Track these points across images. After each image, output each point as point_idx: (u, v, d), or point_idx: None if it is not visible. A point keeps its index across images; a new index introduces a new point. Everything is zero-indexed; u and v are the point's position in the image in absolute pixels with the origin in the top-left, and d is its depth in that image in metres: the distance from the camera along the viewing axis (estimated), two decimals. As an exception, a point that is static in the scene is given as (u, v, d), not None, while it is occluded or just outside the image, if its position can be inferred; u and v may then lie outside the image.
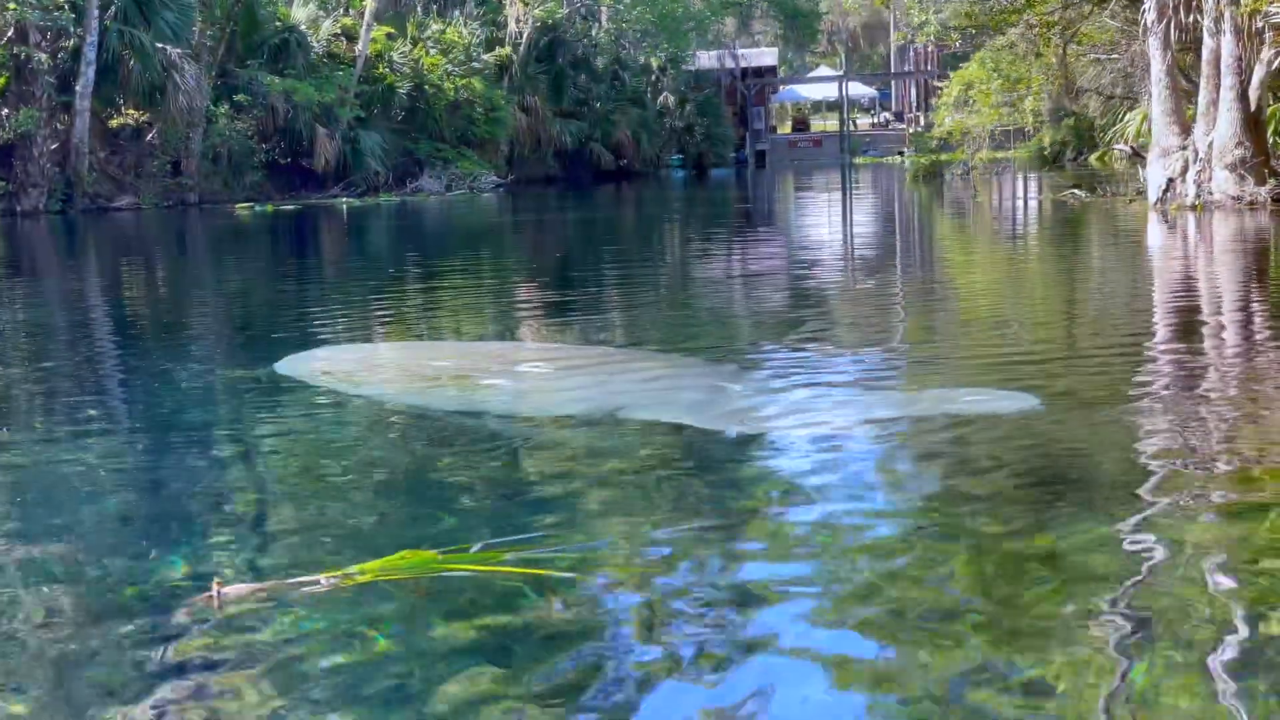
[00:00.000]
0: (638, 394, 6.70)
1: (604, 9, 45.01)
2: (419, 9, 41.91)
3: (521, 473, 5.23)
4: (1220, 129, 17.41)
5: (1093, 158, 38.47)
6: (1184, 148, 17.99)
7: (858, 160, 57.81)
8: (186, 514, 4.73)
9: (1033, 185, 30.27)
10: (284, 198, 34.75)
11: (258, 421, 6.55)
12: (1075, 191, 22.42)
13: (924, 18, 22.86)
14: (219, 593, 3.54)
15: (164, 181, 33.50)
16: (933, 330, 9.48)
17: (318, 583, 3.63)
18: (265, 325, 11.02)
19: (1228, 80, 17.11)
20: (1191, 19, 17.39)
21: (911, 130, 62.03)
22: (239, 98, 34.01)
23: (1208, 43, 17.47)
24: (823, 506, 4.49)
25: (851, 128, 64.53)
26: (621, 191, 39.00)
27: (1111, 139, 33.07)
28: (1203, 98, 17.75)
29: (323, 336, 9.74)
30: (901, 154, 59.54)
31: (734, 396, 6.51)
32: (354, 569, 3.70)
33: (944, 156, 32.19)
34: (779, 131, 67.38)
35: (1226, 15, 16.81)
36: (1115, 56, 23.59)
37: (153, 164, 33.43)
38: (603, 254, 18.20)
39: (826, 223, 23.21)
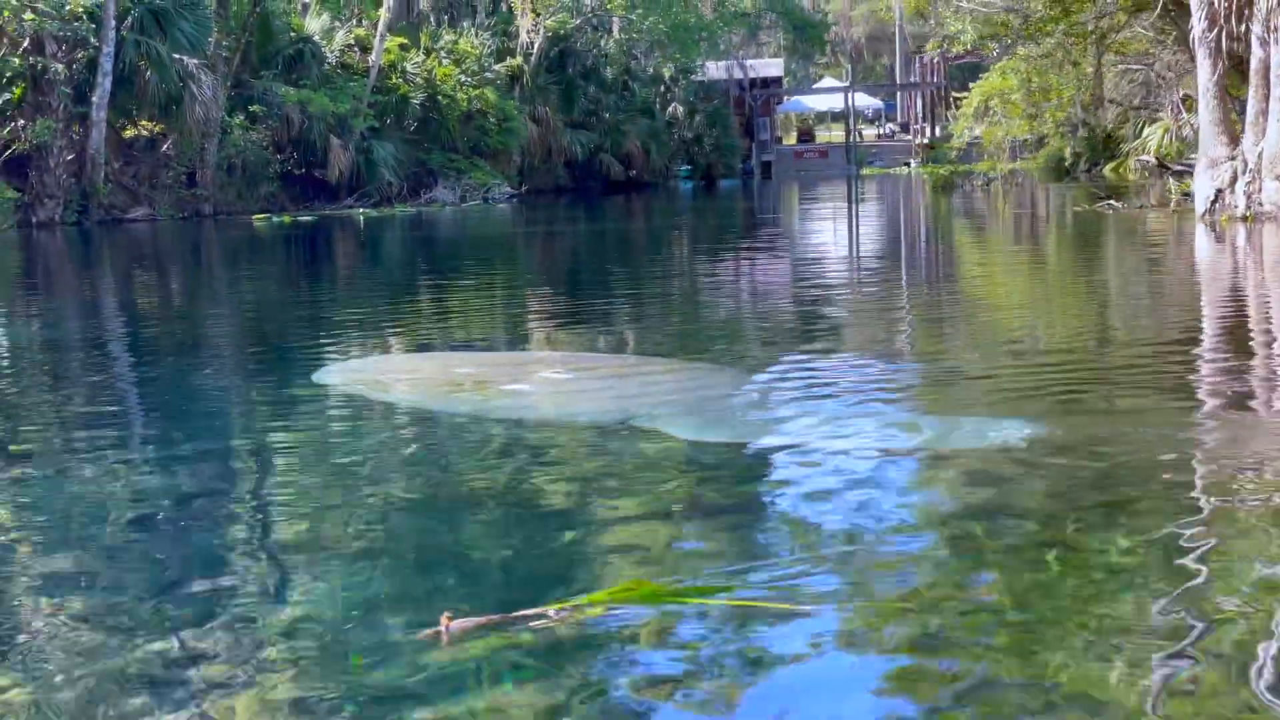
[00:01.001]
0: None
1: (615, 20, 44.84)
2: (431, 19, 41.74)
3: (696, 495, 5.03)
4: (1270, 139, 17.26)
5: (1107, 169, 38.34)
6: (1232, 158, 17.83)
7: (865, 171, 57.74)
8: (391, 547, 4.50)
9: (1056, 196, 30.09)
10: (298, 209, 34.55)
11: (370, 445, 6.33)
12: (1111, 203, 22.26)
13: (960, 26, 22.65)
14: (447, 628, 3.34)
15: (179, 192, 33.27)
16: (986, 343, 9.28)
17: (545, 615, 3.42)
18: (299, 336, 10.92)
19: (1278, 90, 16.95)
20: (1243, 28, 17.23)
21: (919, 141, 62.10)
22: (254, 108, 33.82)
23: (1257, 52, 17.33)
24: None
25: (857, 139, 64.50)
26: (634, 203, 38.85)
27: (1131, 151, 32.96)
28: (1251, 108, 17.61)
29: (356, 347, 9.79)
30: (908, 165, 59.55)
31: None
32: (582, 600, 3.50)
33: (963, 167, 32.07)
34: (784, 142, 67.34)
35: (1277, 24, 16.66)
36: (1138, 68, 23.46)
37: (167, 175, 33.20)
38: (632, 263, 18.22)
39: (863, 237, 22.95)
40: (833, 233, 23.86)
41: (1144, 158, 25.77)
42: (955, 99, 33.58)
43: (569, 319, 11.49)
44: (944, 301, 12.21)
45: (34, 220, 29.93)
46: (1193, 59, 19.86)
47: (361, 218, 32.14)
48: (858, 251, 19.43)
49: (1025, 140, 29.43)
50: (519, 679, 3.13)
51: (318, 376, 7.92)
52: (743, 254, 19.44)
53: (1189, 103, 27.25)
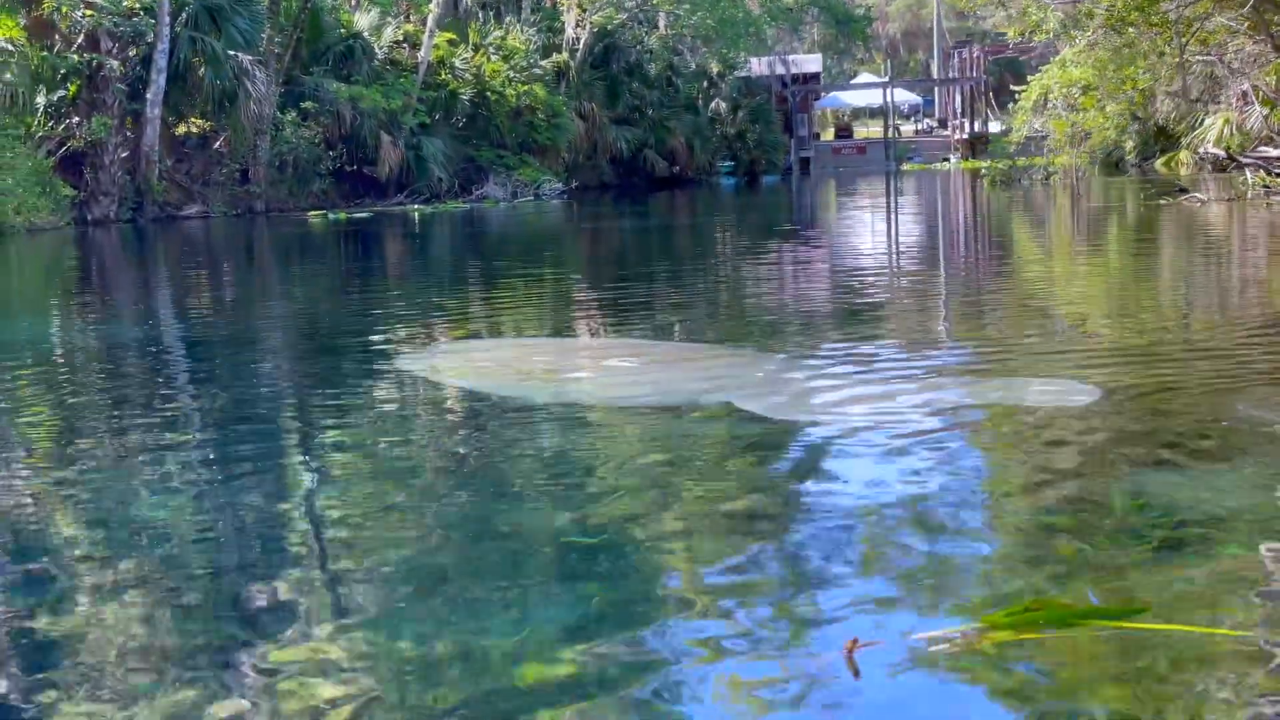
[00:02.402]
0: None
1: (661, 14, 44.59)
2: (479, 15, 41.59)
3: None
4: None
5: (1158, 163, 37.87)
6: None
7: (906, 167, 57.32)
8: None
9: (1124, 191, 29.58)
10: (348, 206, 34.46)
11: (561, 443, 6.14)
12: (1197, 196, 21.89)
13: (1042, 15, 22.26)
14: (853, 652, 3.11)
15: (232, 190, 33.22)
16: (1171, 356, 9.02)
17: (953, 637, 3.17)
18: (382, 327, 11.01)
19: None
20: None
21: (958, 136, 61.64)
22: (306, 104, 33.72)
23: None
24: None
25: (895, 134, 64.09)
26: (682, 199, 38.58)
27: (1190, 144, 32.55)
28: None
29: (439, 336, 10.15)
30: (948, 160, 59.13)
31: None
32: (983, 622, 3.23)
33: (1021, 161, 31.71)
34: (821, 138, 66.95)
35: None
36: (1203, 59, 23.08)
37: (220, 172, 33.14)
38: (701, 257, 18.19)
39: (936, 232, 22.58)
40: (927, 229, 23.33)
41: (1211, 150, 25.38)
42: (1015, 92, 33.12)
43: (641, 309, 11.64)
44: (1100, 309, 11.91)
45: (89, 217, 29.88)
46: (1277, 49, 19.54)
47: (416, 214, 32.00)
48: (972, 252, 19.12)
49: (1073, 134, 29.01)
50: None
51: (402, 363, 8.41)
52: (818, 247, 19.19)
53: (1257, 94, 26.88)
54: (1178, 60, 20.50)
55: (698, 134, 48.71)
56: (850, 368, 7.49)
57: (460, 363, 8.59)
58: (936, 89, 70.46)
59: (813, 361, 7.77)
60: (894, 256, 17.13)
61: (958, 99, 64.74)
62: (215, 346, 10.24)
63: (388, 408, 7.06)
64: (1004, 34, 62.64)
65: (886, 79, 64.93)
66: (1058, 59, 29.58)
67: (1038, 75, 30.24)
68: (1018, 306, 10.88)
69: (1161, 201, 21.88)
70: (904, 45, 79.34)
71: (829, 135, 69.74)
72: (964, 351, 8.23)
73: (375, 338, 10.08)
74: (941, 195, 34.99)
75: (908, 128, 71.59)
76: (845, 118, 72.61)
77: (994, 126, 61.33)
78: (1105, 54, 21.70)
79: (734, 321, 10.61)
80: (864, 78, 69.77)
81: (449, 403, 7.20)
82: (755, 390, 6.74)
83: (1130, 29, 19.57)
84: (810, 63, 62.01)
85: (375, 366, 8.50)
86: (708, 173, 50.55)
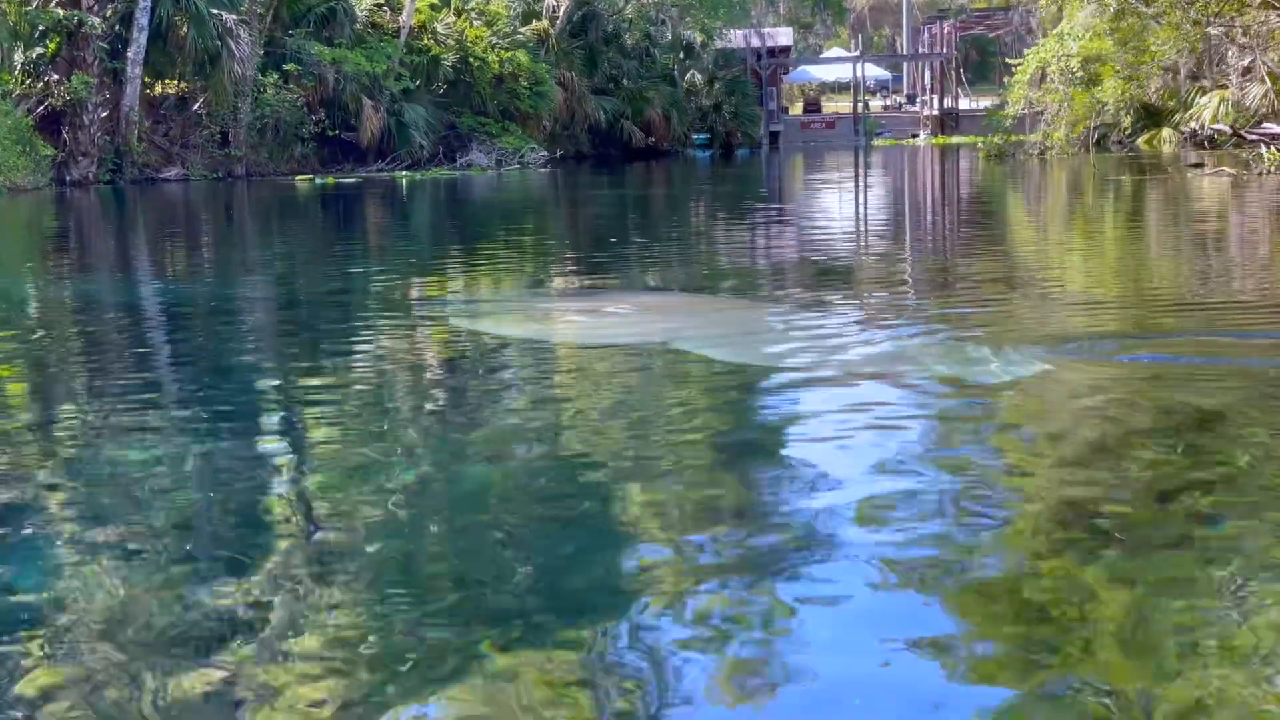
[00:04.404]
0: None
1: (644, -19, 43.98)
2: (461, -22, 40.78)
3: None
4: None
5: (1141, 140, 37.73)
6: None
7: (876, 143, 57.11)
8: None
9: (1127, 166, 29.06)
10: (329, 171, 33.67)
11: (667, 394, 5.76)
12: (1224, 169, 21.69)
13: None
14: None
15: (212, 153, 32.39)
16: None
17: None
18: (401, 284, 11.47)
19: None
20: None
21: (927, 112, 61.52)
22: (289, 67, 32.88)
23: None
24: None
25: (864, 109, 63.85)
26: (662, 170, 38.14)
27: (1183, 121, 32.40)
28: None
29: (455, 291, 10.82)
30: (917, 135, 59.00)
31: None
32: None
33: (1014, 137, 31.49)
34: (789, 112, 66.56)
35: None
36: (1222, 32, 22.90)
37: (200, 134, 32.31)
38: (689, 220, 18.26)
39: (960, 210, 22.09)
40: (928, 206, 22.96)
41: (1220, 125, 25.25)
42: (1010, 65, 32.90)
43: (650, 262, 12.60)
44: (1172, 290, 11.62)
45: (68, 178, 29.01)
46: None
47: (405, 181, 31.33)
48: (1066, 243, 18.81)
49: (1080, 109, 28.81)
50: None
51: (423, 310, 9.42)
52: (822, 220, 18.88)
53: (1267, 72, 26.76)
54: (1202, 33, 20.29)
55: (675, 105, 48.17)
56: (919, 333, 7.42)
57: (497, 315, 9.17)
58: (905, 64, 70.32)
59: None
60: (967, 248, 16.81)
61: (927, 75, 64.62)
62: (298, 309, 10.06)
63: (419, 352, 7.70)
64: (978, 9, 62.71)
65: (857, 54, 64.68)
66: (1055, 32, 29.37)
67: (1033, 49, 30.03)
68: (1208, 293, 9.68)
69: (1188, 175, 21.51)
70: (870, 20, 79.13)
71: (796, 110, 69.37)
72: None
73: (413, 294, 10.70)
74: (950, 172, 34.44)
75: (875, 103, 71.33)
76: (813, 92, 72.30)
77: (964, 103, 61.36)
78: (1127, 25, 21.40)
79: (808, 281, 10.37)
80: (835, 52, 69.48)
81: (490, 352, 7.64)
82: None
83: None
84: (782, 36, 61.59)
85: (405, 319, 9.17)
86: (683, 144, 50.07)
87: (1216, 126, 25.85)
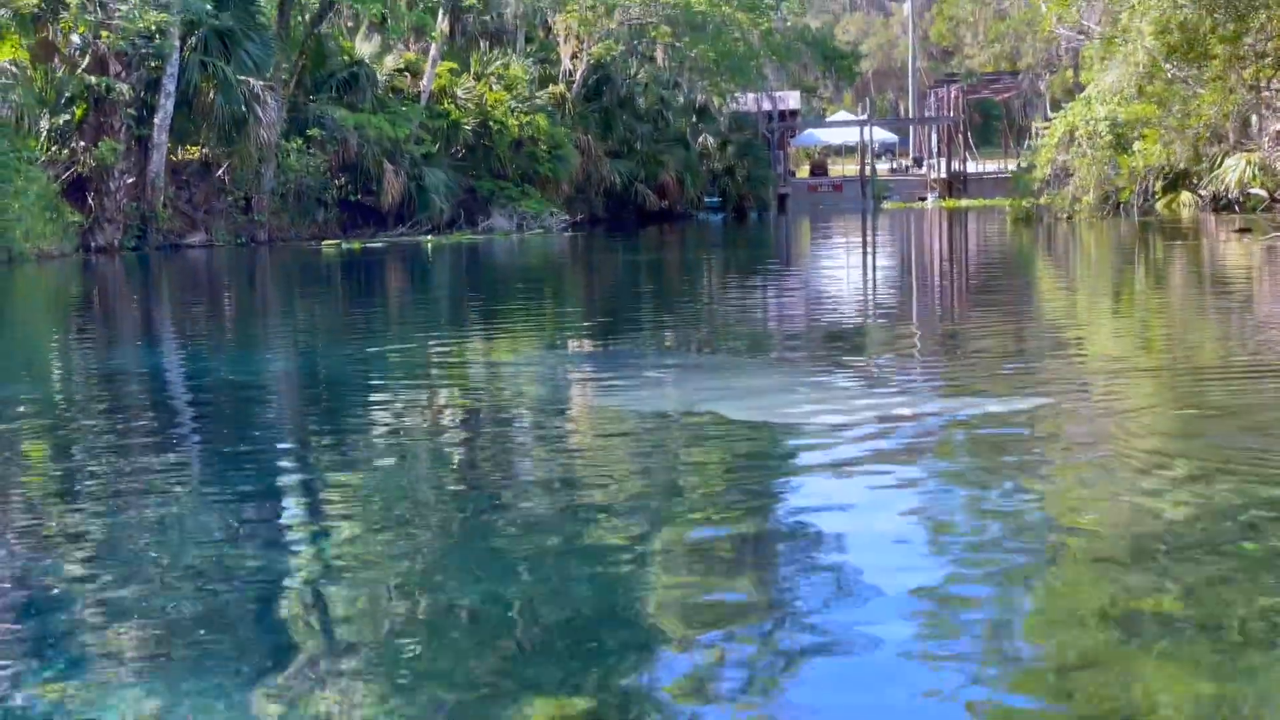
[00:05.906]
0: None
1: (660, 46, 44.03)
2: (481, 44, 40.88)
3: None
4: None
5: (1160, 204, 37.66)
6: None
7: (885, 205, 57.13)
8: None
9: (1167, 232, 28.54)
10: (350, 235, 33.48)
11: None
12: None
13: (1136, 25, 21.25)
14: None
15: (235, 218, 32.23)
16: None
17: None
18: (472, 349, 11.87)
19: None
20: None
21: (934, 176, 61.63)
22: (311, 131, 32.78)
23: None
24: None
25: (871, 172, 64.01)
26: (677, 233, 38.11)
27: (1207, 184, 32.36)
28: None
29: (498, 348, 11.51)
30: (925, 198, 59.06)
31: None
32: None
33: (1046, 199, 31.37)
34: (796, 175, 66.74)
35: None
36: (1254, 97, 22.80)
37: (223, 200, 32.18)
38: (728, 286, 18.59)
39: (1044, 285, 20.54)
40: (982, 282, 21.87)
41: (1256, 189, 25.20)
42: (1040, 129, 32.94)
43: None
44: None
45: (93, 245, 28.80)
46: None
47: (429, 245, 31.17)
48: (1155, 316, 17.94)
49: (1107, 174, 28.73)
50: None
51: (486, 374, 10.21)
52: (856, 287, 18.68)
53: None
54: (1247, 96, 20.22)
55: (689, 169, 48.22)
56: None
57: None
58: (911, 128, 70.64)
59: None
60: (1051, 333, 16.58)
61: (933, 138, 64.87)
62: (359, 375, 9.90)
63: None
64: (986, 73, 62.99)
65: (864, 117, 64.97)
66: (1082, 96, 29.40)
67: (1061, 112, 30.05)
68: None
69: (1260, 245, 20.51)
70: (874, 84, 79.61)
71: (803, 173, 69.54)
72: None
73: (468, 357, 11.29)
74: (981, 239, 33.94)
75: (881, 166, 71.60)
76: (818, 155, 72.58)
77: (971, 166, 61.53)
78: (1165, 89, 21.26)
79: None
80: (841, 115, 69.80)
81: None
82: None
83: (1214, 61, 19.08)
84: (791, 99, 61.87)
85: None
86: (696, 207, 50.10)
87: (1254, 190, 25.77)
